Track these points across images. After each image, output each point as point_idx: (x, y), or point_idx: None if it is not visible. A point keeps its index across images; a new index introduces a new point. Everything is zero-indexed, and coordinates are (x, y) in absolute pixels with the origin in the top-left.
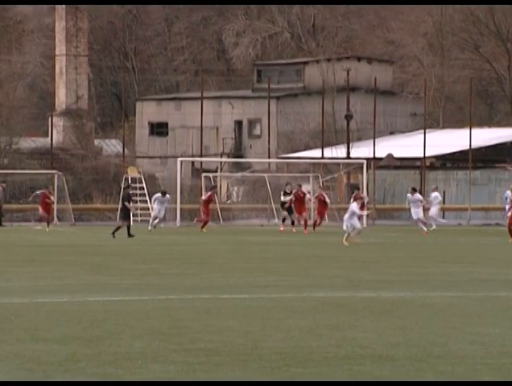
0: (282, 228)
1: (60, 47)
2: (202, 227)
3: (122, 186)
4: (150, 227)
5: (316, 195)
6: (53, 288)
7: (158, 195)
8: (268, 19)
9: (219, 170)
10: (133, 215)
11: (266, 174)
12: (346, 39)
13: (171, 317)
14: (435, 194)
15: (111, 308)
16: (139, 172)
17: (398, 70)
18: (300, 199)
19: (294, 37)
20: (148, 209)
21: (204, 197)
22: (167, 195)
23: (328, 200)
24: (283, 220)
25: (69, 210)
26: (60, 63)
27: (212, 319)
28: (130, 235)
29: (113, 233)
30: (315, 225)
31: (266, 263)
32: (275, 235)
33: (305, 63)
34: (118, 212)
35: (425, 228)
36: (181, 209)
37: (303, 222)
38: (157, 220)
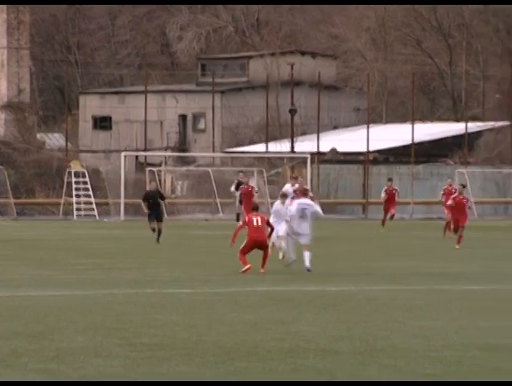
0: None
1: (1, 40)
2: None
3: (66, 180)
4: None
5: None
6: None
7: (288, 185)
8: (212, 13)
9: (163, 164)
10: (76, 210)
11: (210, 169)
12: (290, 33)
13: (114, 311)
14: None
15: (54, 303)
16: (82, 166)
17: (341, 65)
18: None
19: (238, 31)
20: (91, 203)
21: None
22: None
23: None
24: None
25: (11, 204)
26: (2, 56)
27: (156, 314)
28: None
29: (158, 238)
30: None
31: (211, 257)
32: (220, 229)
33: (249, 57)
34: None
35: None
36: (125, 203)
37: None
38: None
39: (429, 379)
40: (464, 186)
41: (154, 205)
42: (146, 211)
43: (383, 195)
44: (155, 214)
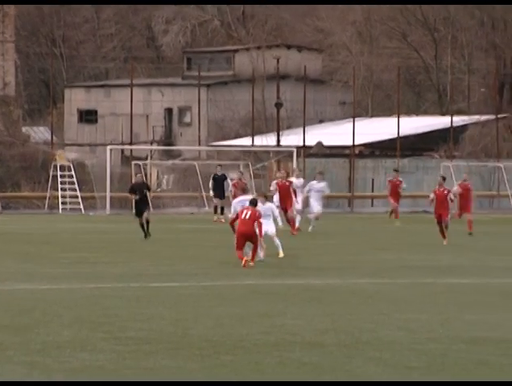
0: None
1: None
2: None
3: (51, 173)
4: (310, 228)
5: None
6: None
7: (314, 181)
8: (198, 6)
9: (149, 157)
10: (62, 204)
11: (196, 162)
12: (276, 26)
13: (100, 305)
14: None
15: (40, 296)
16: (68, 160)
17: (327, 58)
18: (286, 189)
19: (224, 24)
20: (77, 197)
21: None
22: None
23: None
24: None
25: None
26: None
27: (142, 308)
28: (146, 235)
29: (145, 234)
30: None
31: (197, 251)
32: (205, 223)
33: (235, 50)
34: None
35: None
36: (111, 197)
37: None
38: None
39: (414, 371)
40: (444, 179)
41: (140, 197)
42: (135, 197)
43: (386, 183)
44: (142, 206)
